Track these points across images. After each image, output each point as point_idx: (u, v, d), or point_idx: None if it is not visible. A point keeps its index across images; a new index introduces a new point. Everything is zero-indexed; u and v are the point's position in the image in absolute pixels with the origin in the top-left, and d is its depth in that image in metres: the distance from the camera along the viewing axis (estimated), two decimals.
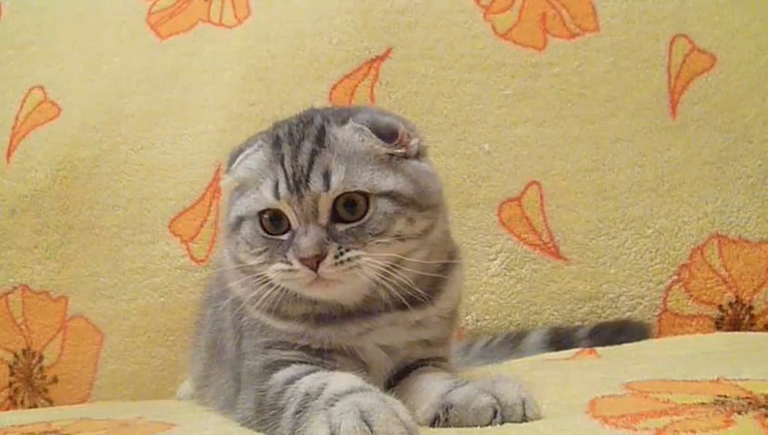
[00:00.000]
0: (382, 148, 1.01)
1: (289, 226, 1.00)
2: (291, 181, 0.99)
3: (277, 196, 1.00)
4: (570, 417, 0.88)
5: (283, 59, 1.94)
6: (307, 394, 0.92)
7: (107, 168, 1.93)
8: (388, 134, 1.02)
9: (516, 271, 1.81)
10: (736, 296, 1.75)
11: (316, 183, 0.98)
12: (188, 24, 2.04)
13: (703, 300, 1.76)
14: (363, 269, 0.97)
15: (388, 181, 1.00)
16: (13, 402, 1.86)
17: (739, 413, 0.82)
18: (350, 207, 0.99)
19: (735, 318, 1.74)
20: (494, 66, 1.90)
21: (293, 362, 1.03)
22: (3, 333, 1.88)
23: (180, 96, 1.97)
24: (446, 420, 0.92)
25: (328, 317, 1.04)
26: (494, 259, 1.82)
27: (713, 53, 1.88)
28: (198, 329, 1.44)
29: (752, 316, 1.74)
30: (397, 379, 1.08)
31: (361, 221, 0.98)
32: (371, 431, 0.80)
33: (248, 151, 1.07)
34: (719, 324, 1.74)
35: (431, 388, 0.99)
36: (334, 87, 1.91)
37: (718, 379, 1.02)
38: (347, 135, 1.02)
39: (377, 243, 0.98)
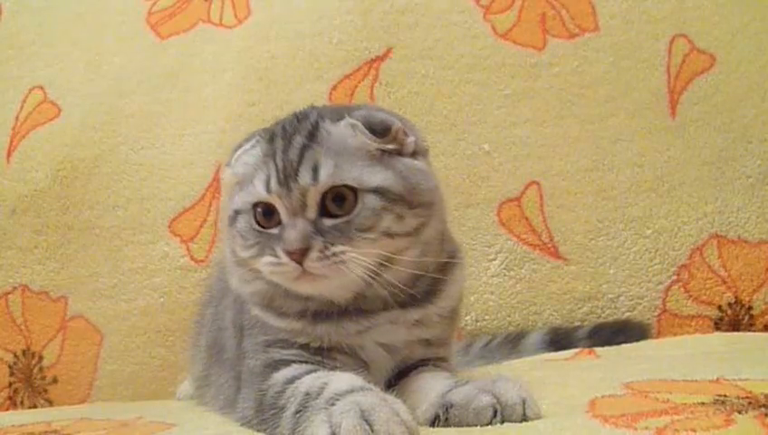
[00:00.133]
0: (373, 143, 1.01)
1: (280, 219, 1.01)
2: (281, 175, 1.00)
3: (268, 189, 1.01)
4: (570, 416, 0.88)
5: (283, 59, 1.94)
6: (307, 394, 0.92)
7: (107, 168, 1.93)
8: (380, 130, 1.02)
9: (516, 271, 1.81)
10: (736, 297, 1.75)
11: (305, 177, 0.98)
12: (188, 25, 2.05)
13: (702, 300, 1.76)
14: (349, 265, 0.96)
15: (377, 177, 1.00)
16: (12, 403, 1.86)
17: (739, 413, 0.82)
18: (339, 201, 0.98)
19: (735, 318, 1.74)
20: (494, 66, 1.91)
21: (294, 362, 1.03)
22: (2, 333, 1.88)
23: (180, 96, 1.97)
24: (447, 419, 0.92)
25: (325, 314, 1.04)
26: (494, 259, 1.82)
27: (712, 53, 1.88)
28: (198, 329, 1.44)
29: (751, 317, 1.74)
30: (397, 378, 1.08)
31: (349, 216, 0.98)
32: (372, 430, 0.80)
33: (246, 147, 1.08)
34: (718, 325, 1.74)
35: (431, 387, 0.99)
36: (334, 87, 1.91)
37: (718, 379, 1.02)
38: (340, 131, 1.02)
39: (363, 238, 0.97)
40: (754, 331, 1.72)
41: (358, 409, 0.82)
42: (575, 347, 1.64)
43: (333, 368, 1.00)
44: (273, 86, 1.93)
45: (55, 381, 1.85)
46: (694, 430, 0.76)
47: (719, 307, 1.75)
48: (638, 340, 1.66)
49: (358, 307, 1.04)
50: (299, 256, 0.96)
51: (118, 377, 1.83)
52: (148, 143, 1.95)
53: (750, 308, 1.74)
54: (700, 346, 1.55)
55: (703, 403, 0.87)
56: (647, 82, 1.88)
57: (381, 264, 0.99)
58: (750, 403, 0.86)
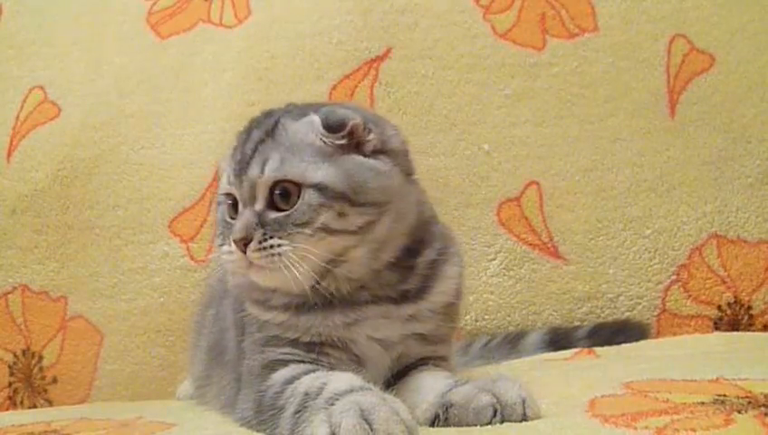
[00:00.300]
0: (322, 139, 1.02)
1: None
2: (237, 168, 1.04)
3: (229, 181, 1.05)
4: (570, 416, 0.88)
5: (283, 59, 1.94)
6: (306, 394, 0.92)
7: (107, 168, 1.93)
8: (335, 126, 1.03)
9: (515, 271, 1.81)
10: (735, 296, 1.75)
11: (254, 170, 1.01)
12: (189, 24, 2.05)
13: (702, 300, 1.76)
14: (283, 258, 0.98)
15: (319, 173, 1.00)
16: (12, 403, 1.86)
17: (739, 412, 0.82)
18: (284, 196, 1.00)
19: (734, 318, 1.75)
20: (494, 66, 1.91)
21: (291, 362, 1.03)
22: (2, 333, 1.88)
23: (180, 96, 1.97)
24: (446, 419, 0.92)
25: (307, 306, 1.04)
26: (494, 259, 1.83)
27: (712, 53, 1.89)
28: (199, 329, 1.45)
29: (750, 316, 1.74)
30: (396, 378, 1.08)
31: (290, 211, 1.00)
32: (372, 430, 0.80)
33: (234, 144, 1.11)
34: (718, 324, 1.75)
35: (431, 387, 0.99)
36: (334, 87, 1.91)
37: (717, 378, 1.02)
38: (297, 127, 1.04)
39: (298, 233, 0.98)
40: (754, 331, 1.72)
41: (357, 408, 0.82)
42: (575, 347, 1.64)
43: (328, 365, 1.01)
44: (273, 86, 1.93)
45: (55, 381, 1.85)
46: (693, 430, 0.76)
47: (718, 307, 1.75)
48: (637, 340, 1.66)
49: (343, 299, 1.04)
50: (242, 245, 0.99)
51: (118, 377, 1.83)
52: (149, 143, 1.95)
53: (749, 308, 1.74)
54: (699, 346, 1.55)
55: (702, 403, 0.87)
56: (646, 82, 1.88)
57: (331, 259, 1.00)
58: (749, 403, 0.86)
